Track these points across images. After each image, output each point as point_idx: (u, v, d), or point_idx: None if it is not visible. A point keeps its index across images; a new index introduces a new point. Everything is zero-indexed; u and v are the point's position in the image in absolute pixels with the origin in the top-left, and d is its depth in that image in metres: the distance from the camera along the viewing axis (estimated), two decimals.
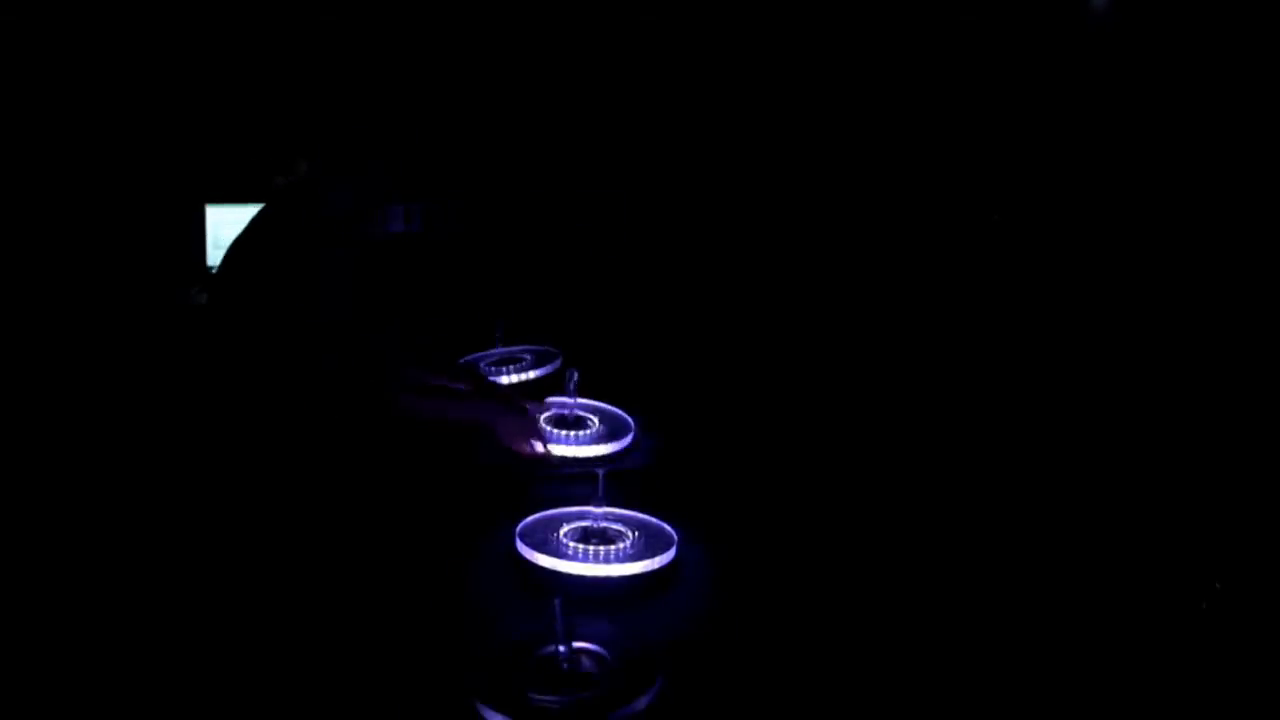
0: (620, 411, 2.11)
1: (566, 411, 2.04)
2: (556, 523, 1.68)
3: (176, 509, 1.61)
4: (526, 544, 1.61)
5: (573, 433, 2.00)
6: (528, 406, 1.97)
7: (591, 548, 1.60)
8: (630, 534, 1.65)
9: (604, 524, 1.67)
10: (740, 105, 3.22)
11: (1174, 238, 2.59)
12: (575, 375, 2.00)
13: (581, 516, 1.69)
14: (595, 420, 2.08)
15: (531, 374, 2.27)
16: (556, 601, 1.31)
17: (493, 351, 2.41)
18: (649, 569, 1.58)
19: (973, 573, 1.60)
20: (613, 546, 1.61)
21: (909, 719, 1.33)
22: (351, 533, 1.62)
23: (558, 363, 2.29)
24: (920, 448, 2.02)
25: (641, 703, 1.24)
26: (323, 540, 1.59)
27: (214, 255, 3.27)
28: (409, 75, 2.96)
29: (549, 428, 2.00)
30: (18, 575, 1.53)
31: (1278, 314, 2.31)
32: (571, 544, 1.62)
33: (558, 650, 1.32)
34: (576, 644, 1.33)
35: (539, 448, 1.92)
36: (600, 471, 1.69)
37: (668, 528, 1.68)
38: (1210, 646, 1.46)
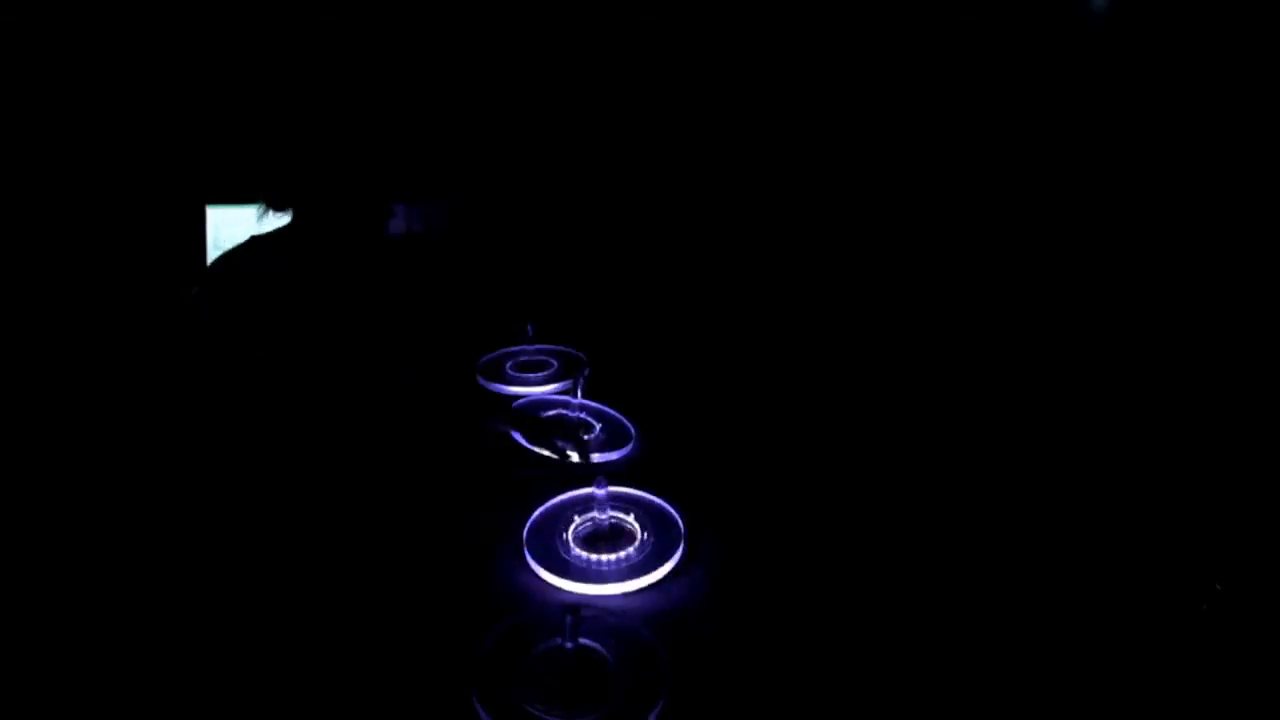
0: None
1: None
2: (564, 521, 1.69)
3: (177, 505, 1.61)
4: (528, 545, 1.61)
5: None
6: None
7: (596, 555, 1.61)
8: (641, 534, 1.66)
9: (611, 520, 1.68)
10: (740, 106, 3.22)
11: (1175, 238, 2.59)
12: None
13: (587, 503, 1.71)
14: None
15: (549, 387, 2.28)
16: (570, 609, 1.34)
17: (520, 348, 2.41)
18: (652, 573, 1.58)
19: (974, 571, 1.61)
20: (619, 552, 1.62)
21: (910, 715, 1.33)
22: (354, 529, 1.62)
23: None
24: (923, 447, 2.02)
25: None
26: (324, 538, 1.59)
27: (214, 255, 3.26)
28: (408, 72, 2.96)
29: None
30: (14, 568, 1.53)
31: (1278, 314, 2.31)
32: (574, 545, 1.62)
33: (564, 646, 1.33)
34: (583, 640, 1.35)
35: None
36: (600, 473, 1.70)
37: (673, 511, 1.70)
38: (1210, 647, 1.46)
